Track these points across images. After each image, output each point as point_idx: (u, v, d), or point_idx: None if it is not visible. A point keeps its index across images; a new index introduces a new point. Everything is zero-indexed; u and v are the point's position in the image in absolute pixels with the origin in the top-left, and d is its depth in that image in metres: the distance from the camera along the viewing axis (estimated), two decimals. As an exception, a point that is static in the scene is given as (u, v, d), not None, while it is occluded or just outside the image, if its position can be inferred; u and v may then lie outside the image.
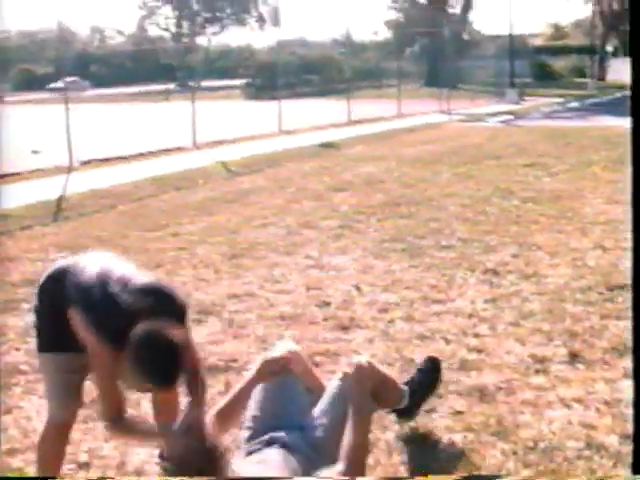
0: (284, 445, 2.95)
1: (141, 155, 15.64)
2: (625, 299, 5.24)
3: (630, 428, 3.01)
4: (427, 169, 12.31)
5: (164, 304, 2.85)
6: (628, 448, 3.14)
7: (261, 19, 71.88)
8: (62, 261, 3.22)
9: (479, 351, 4.59)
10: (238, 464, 2.72)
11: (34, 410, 4.06)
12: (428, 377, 3.65)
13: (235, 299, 5.86)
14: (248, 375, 3.28)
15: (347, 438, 2.83)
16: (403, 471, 3.29)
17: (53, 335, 3.06)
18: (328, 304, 5.66)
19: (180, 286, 6.19)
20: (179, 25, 70.20)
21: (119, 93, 46.62)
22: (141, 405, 3.93)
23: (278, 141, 17.62)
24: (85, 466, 3.50)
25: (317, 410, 3.10)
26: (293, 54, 46.00)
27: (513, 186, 10.30)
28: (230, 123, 23.06)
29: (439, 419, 3.76)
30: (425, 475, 3.11)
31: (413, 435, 3.60)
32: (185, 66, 32.68)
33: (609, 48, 53.54)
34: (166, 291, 2.94)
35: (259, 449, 2.98)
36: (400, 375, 4.27)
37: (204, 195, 10.73)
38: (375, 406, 3.18)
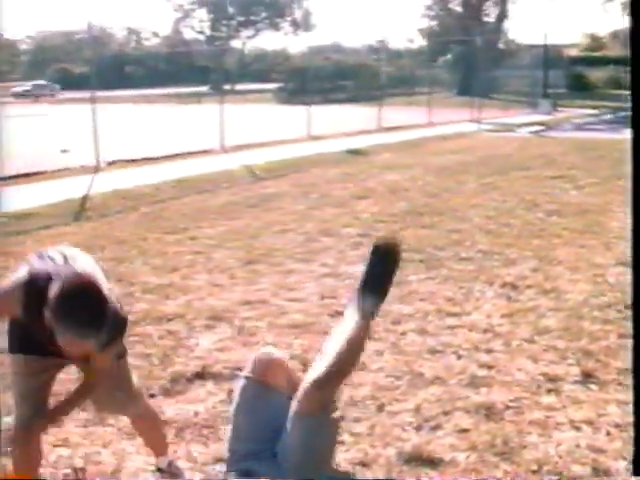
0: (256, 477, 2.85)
1: (168, 157, 15.67)
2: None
3: None
4: (453, 179, 12.19)
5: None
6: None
7: (295, 24, 72.02)
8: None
9: (490, 367, 4.48)
10: None
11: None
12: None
13: (247, 306, 5.79)
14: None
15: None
16: (401, 490, 3.20)
17: (19, 336, 3.00)
18: (341, 314, 5.55)
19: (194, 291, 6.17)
20: (214, 28, 70.57)
21: (153, 94, 46.89)
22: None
23: (306, 146, 17.59)
24: (80, 471, 3.45)
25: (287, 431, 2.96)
26: (327, 59, 45.99)
27: (539, 198, 10.16)
28: (260, 127, 23.07)
29: (443, 437, 3.66)
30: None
31: (415, 453, 3.50)
32: (219, 69, 32.76)
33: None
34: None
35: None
36: (408, 389, 4.21)
37: (226, 199, 10.70)
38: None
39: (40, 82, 56.12)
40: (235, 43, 72.63)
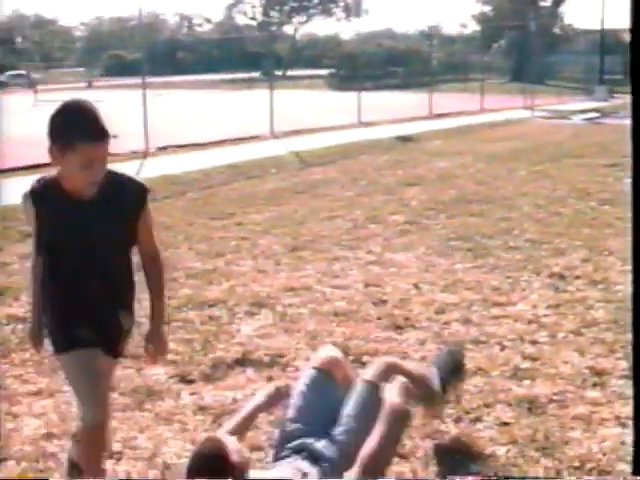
0: (312, 453, 2.85)
1: (218, 142, 15.72)
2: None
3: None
4: (504, 166, 12.02)
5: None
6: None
7: (347, 9, 71.72)
8: None
9: (534, 359, 4.38)
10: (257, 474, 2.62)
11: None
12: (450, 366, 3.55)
13: (291, 292, 5.77)
14: (256, 400, 3.14)
15: (369, 444, 2.71)
16: (438, 483, 3.14)
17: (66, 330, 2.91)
18: (384, 302, 5.53)
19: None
20: (266, 14, 70.61)
21: (204, 80, 47.11)
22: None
23: (356, 133, 17.50)
24: (116, 455, 3.45)
25: (346, 414, 2.97)
26: (379, 45, 45.76)
27: (591, 187, 9.96)
28: (310, 113, 23.03)
29: (484, 430, 3.59)
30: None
31: (452, 446, 3.44)
32: (271, 55, 32.76)
33: None
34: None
35: (287, 455, 2.87)
36: (449, 380, 4.13)
37: (274, 185, 10.69)
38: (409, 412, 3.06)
39: (17, 72, 54.82)
40: (287, 29, 72.69)
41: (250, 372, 4.30)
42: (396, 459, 3.28)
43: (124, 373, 4.14)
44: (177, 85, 41.41)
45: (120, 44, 63.20)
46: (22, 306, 5.49)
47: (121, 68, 56.17)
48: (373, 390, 2.99)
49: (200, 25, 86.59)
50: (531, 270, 6.18)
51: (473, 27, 60.95)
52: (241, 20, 74.94)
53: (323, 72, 48.95)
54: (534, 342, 4.67)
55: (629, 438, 3.48)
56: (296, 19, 73.37)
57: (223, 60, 58.87)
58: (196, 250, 7.07)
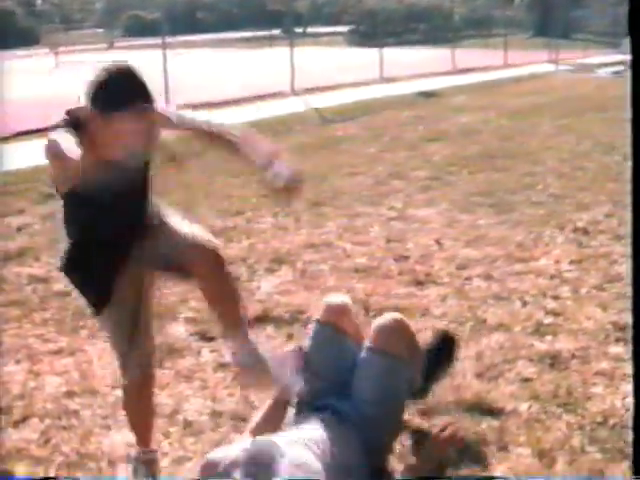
0: (335, 412, 2.83)
1: (238, 100, 15.61)
2: None
3: None
4: (527, 121, 11.86)
5: None
6: None
7: (369, -35, 70.68)
8: None
9: (557, 315, 4.34)
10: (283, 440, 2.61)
11: (96, 354, 4.07)
12: (441, 355, 3.35)
13: (311, 249, 5.75)
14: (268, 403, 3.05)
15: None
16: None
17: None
18: (406, 258, 5.49)
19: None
20: (287, -30, 69.79)
21: (224, 38, 46.81)
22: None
23: (378, 89, 17.32)
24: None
25: (365, 382, 2.92)
26: (400, 1, 45.11)
27: (616, 141, 9.78)
28: (331, 70, 22.81)
29: (505, 385, 3.56)
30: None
31: (475, 402, 3.41)
32: (291, 12, 32.40)
33: None
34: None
35: (308, 416, 2.85)
36: (470, 336, 4.11)
37: (295, 142, 10.60)
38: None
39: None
40: (307, -14, 71.80)
41: (270, 329, 4.29)
42: (418, 415, 3.27)
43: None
44: (197, 44, 41.17)
45: (139, 4, 62.71)
46: (43, 267, 5.51)
47: (141, 28, 55.77)
48: (387, 360, 2.94)
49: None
50: (554, 225, 6.11)
51: (496, -19, 59.92)
52: (261, -23, 74.20)
53: (343, 29, 48.39)
54: (557, 297, 4.62)
55: (653, 393, 3.45)
56: (316, -25, 72.49)
57: (243, 18, 58.30)
58: (216, 208, 7.04)
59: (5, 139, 9.69)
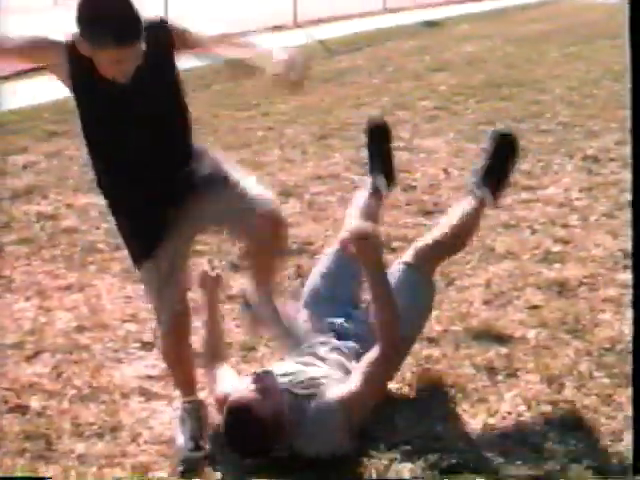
0: (338, 333, 2.86)
1: (240, 33, 15.39)
2: None
3: None
4: (534, 49, 11.67)
5: None
6: None
7: None
8: None
9: (565, 242, 4.33)
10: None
11: (105, 289, 4.08)
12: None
13: (319, 180, 5.73)
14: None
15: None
16: (467, 365, 3.14)
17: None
18: (414, 188, 5.47)
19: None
20: None
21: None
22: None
23: (381, 19, 17.03)
24: (148, 346, 3.49)
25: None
26: None
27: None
28: (333, 1, 22.44)
29: (513, 313, 3.57)
30: None
31: (484, 329, 3.43)
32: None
33: None
34: None
35: (314, 346, 2.87)
36: (478, 264, 4.11)
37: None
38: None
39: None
40: None
41: (278, 260, 4.29)
42: (426, 343, 3.29)
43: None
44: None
45: None
46: (50, 204, 5.50)
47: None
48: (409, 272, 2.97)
49: None
50: (564, 153, 6.06)
51: None
52: None
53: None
54: (565, 225, 4.61)
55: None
56: None
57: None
58: (222, 142, 6.98)
59: (5, 78, 9.58)
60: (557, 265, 4.05)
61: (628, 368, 3.01)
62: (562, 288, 3.79)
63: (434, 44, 12.75)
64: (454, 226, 3.11)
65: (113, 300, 3.95)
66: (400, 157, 6.19)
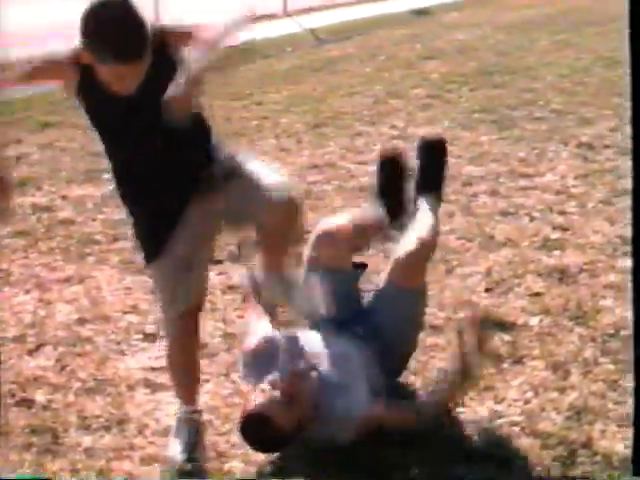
0: (353, 333, 2.83)
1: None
2: None
3: None
4: (525, 36, 11.65)
5: None
6: None
7: None
8: None
9: (564, 229, 4.34)
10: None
11: (105, 280, 4.07)
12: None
13: (315, 169, 5.72)
14: None
15: None
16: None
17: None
18: (411, 175, 5.45)
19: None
20: None
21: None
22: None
23: (370, 8, 16.98)
24: (151, 337, 3.48)
25: (383, 314, 2.87)
26: None
27: (618, 55, 9.61)
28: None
29: (514, 300, 3.58)
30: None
31: (486, 316, 3.42)
32: None
33: None
34: None
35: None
36: (479, 252, 4.12)
37: (291, 63, 10.45)
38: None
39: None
40: None
41: (278, 250, 4.28)
42: (430, 331, 3.30)
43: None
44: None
45: None
46: (45, 195, 5.47)
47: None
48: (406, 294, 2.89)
49: None
50: (558, 140, 6.06)
51: None
52: None
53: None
54: (563, 212, 4.62)
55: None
56: None
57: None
58: (217, 131, 6.96)
59: None
60: (556, 252, 4.06)
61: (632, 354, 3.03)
62: (562, 275, 3.80)
63: (424, 32, 12.72)
64: (422, 234, 2.98)
65: (113, 292, 3.94)
66: (396, 145, 6.22)
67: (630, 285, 3.59)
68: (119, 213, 2.77)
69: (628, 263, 3.85)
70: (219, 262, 4.14)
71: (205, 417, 2.86)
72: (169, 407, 2.95)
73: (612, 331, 3.25)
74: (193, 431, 2.75)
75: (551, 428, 2.66)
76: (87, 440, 2.76)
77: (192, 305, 2.72)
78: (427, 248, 2.95)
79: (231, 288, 3.86)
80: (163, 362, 3.20)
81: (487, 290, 3.69)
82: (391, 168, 3.41)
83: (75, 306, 3.82)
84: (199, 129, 2.70)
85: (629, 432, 2.59)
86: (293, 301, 2.86)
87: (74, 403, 2.98)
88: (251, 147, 6.36)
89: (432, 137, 3.49)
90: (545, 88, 8.03)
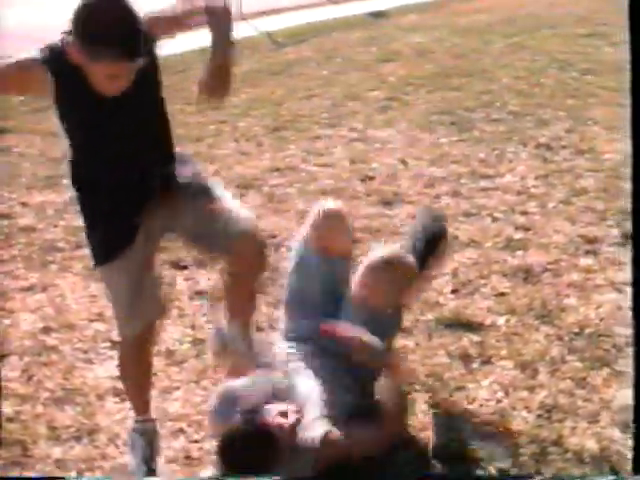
0: (321, 347, 2.76)
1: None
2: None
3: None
4: (480, 39, 11.76)
5: None
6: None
7: None
8: None
9: (526, 230, 4.39)
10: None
11: (69, 288, 4.02)
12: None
13: (277, 173, 5.71)
14: None
15: None
16: (442, 355, 3.17)
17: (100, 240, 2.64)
18: (372, 178, 5.49)
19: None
20: None
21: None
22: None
23: (325, 11, 17.02)
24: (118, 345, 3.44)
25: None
26: None
27: (571, 57, 9.78)
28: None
29: (481, 300, 3.62)
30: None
31: (454, 317, 3.46)
32: None
33: None
34: None
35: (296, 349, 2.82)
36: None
37: (248, 67, 10.40)
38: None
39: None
40: None
41: (243, 255, 4.27)
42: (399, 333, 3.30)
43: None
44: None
45: None
46: (4, 202, 5.38)
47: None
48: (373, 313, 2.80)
49: None
50: (517, 141, 6.13)
51: None
52: None
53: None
54: (525, 213, 4.67)
55: (625, 303, 3.53)
56: None
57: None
58: (174, 136, 6.92)
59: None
60: (520, 252, 4.11)
61: (599, 351, 3.09)
62: (527, 274, 3.85)
63: (381, 35, 12.77)
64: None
65: (78, 299, 3.89)
66: (355, 148, 6.25)
67: (592, 283, 3.69)
68: (81, 219, 2.72)
69: (590, 262, 3.95)
70: (184, 267, 4.13)
71: (176, 425, 2.84)
72: (139, 415, 2.92)
73: (577, 329, 3.30)
74: (148, 442, 2.68)
75: (523, 427, 2.69)
76: (57, 451, 2.73)
77: (151, 322, 2.65)
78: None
79: (198, 293, 3.85)
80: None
81: (453, 291, 3.71)
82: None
83: (39, 315, 3.76)
84: (165, 129, 2.73)
85: (598, 429, 2.64)
86: (246, 357, 2.71)
87: (43, 414, 2.94)
88: (210, 151, 6.35)
89: (435, 229, 3.21)
90: (502, 90, 8.11)
